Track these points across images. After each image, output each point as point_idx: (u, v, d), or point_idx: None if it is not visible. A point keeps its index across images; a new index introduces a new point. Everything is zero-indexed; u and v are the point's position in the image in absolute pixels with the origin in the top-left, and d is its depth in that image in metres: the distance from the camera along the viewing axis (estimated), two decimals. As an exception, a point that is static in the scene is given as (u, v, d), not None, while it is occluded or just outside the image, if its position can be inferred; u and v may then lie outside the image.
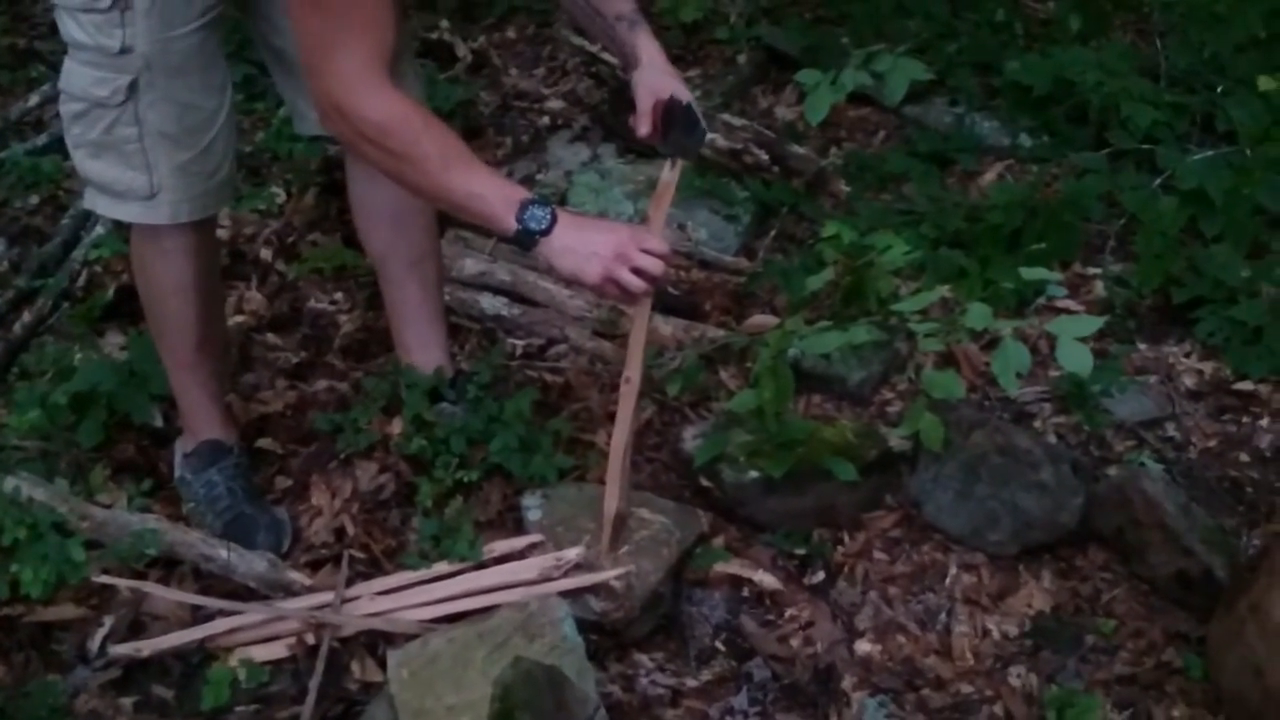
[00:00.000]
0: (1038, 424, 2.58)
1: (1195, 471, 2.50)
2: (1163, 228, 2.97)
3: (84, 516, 2.21)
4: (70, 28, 1.98)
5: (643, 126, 2.07)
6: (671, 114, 2.07)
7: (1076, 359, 2.05)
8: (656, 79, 2.08)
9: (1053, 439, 2.53)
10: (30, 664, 2.09)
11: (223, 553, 2.16)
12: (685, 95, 2.08)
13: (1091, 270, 3.02)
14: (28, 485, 2.24)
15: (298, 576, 2.15)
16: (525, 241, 1.81)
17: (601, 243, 1.83)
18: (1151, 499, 2.24)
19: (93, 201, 2.14)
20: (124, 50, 1.95)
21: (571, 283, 2.16)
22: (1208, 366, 2.76)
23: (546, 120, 3.66)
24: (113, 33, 1.94)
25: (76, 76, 2.00)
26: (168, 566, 2.22)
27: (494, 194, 1.80)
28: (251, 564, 2.16)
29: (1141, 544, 2.26)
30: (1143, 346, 2.82)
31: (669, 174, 2.07)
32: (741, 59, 3.91)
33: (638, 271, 1.84)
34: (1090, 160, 3.30)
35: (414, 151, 1.78)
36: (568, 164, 3.46)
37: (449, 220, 2.72)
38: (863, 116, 3.68)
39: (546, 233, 1.80)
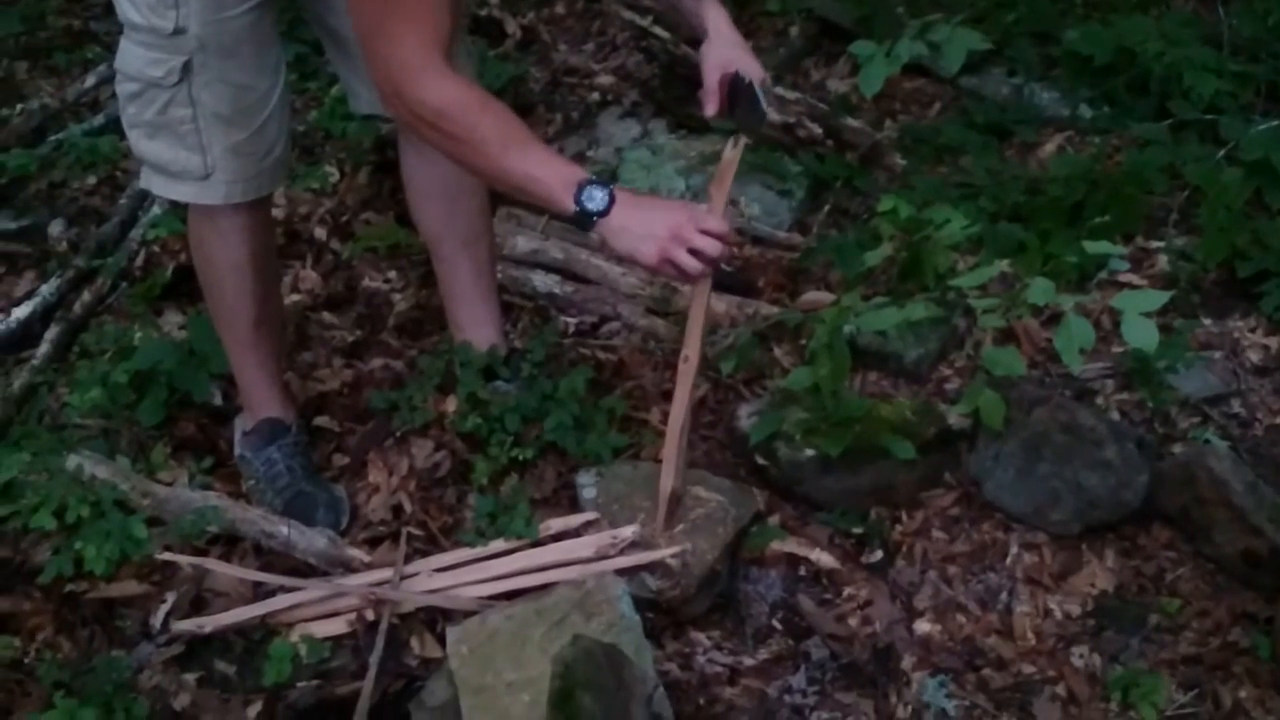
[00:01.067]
0: (1100, 401, 2.54)
1: (1261, 449, 2.45)
2: (1227, 200, 2.90)
3: (146, 494, 2.24)
4: (125, 8, 1.99)
5: (709, 105, 2.03)
6: (736, 90, 2.03)
7: (1142, 334, 2.02)
8: (724, 52, 2.04)
9: (1115, 416, 2.49)
10: (95, 639, 2.12)
11: (283, 529, 2.18)
12: (754, 70, 2.03)
13: (1154, 244, 2.96)
14: (90, 463, 2.26)
15: (357, 553, 2.17)
16: (583, 222, 1.80)
17: (659, 223, 1.81)
18: (1218, 477, 2.20)
19: (148, 181, 2.16)
20: (178, 31, 1.96)
21: (628, 262, 2.14)
22: (1274, 341, 2.70)
23: (597, 96, 3.64)
24: (166, 14, 1.95)
25: (131, 57, 2.01)
26: (229, 543, 2.24)
27: (551, 175, 1.79)
28: (312, 541, 2.17)
29: (1207, 522, 2.22)
30: (1207, 321, 2.76)
31: (730, 152, 2.04)
32: (793, 31, 3.87)
33: (694, 252, 1.82)
34: (1152, 131, 3.23)
35: (472, 136, 1.78)
36: (619, 140, 3.44)
37: (501, 198, 2.71)
38: (918, 88, 3.62)
39: (604, 213, 1.79)
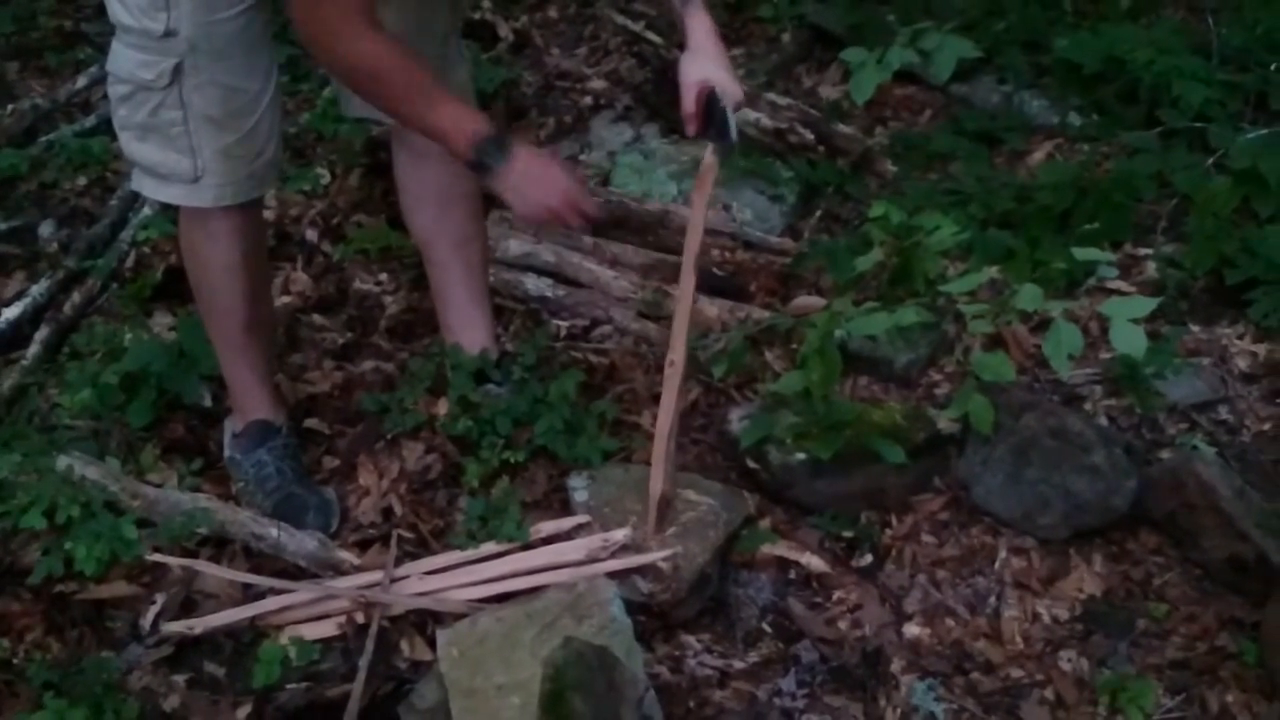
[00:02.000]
0: (1088, 406, 2.55)
1: (1249, 455, 2.47)
2: (1215, 208, 2.93)
3: (135, 495, 2.23)
4: (116, 10, 1.99)
5: (689, 127, 2.04)
6: (711, 108, 2.00)
7: (1130, 341, 2.03)
8: (699, 67, 2.02)
9: (1104, 422, 2.50)
10: (84, 640, 2.11)
11: (273, 531, 2.18)
12: (731, 89, 2.01)
13: (1143, 251, 2.98)
14: (80, 464, 2.26)
15: (347, 556, 2.17)
16: (480, 174, 1.93)
17: (550, 196, 1.94)
18: (1206, 483, 2.21)
19: (139, 183, 2.16)
20: (168, 34, 1.95)
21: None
22: (1261, 349, 2.71)
23: (589, 100, 3.65)
24: (157, 16, 1.95)
25: (123, 59, 2.01)
26: (218, 545, 2.24)
27: (453, 129, 1.88)
28: (301, 543, 2.17)
29: (1195, 528, 2.23)
30: (1195, 328, 2.78)
31: (710, 158, 2.04)
32: (785, 37, 3.89)
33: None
34: (1141, 139, 3.25)
35: (383, 90, 1.88)
36: (611, 144, 3.45)
37: (494, 201, 2.71)
38: (909, 95, 3.64)
39: (500, 170, 1.90)
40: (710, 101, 2.01)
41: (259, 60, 2.07)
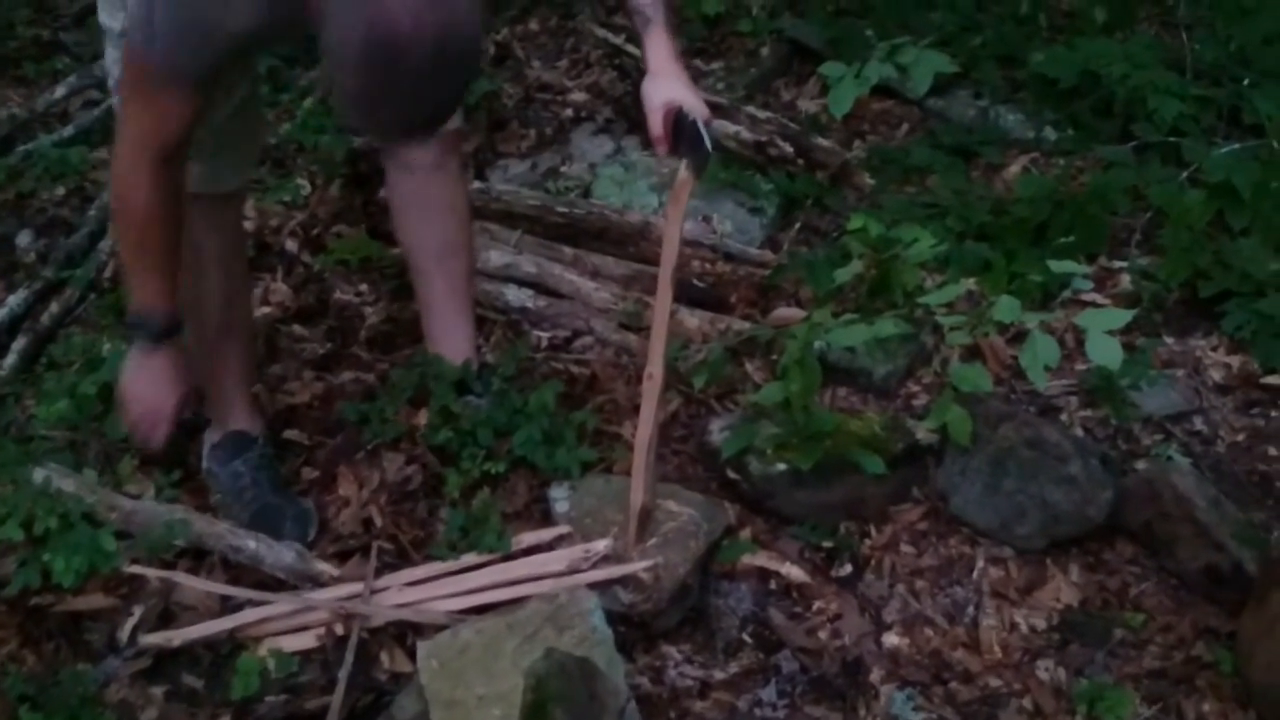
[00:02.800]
0: (1064, 418, 2.57)
1: (1223, 466, 2.49)
2: (1190, 221, 2.96)
3: (112, 507, 2.22)
4: (105, 18, 2.01)
5: (659, 148, 2.02)
6: (680, 126, 1.98)
7: (1106, 352, 2.06)
8: (662, 89, 1.99)
9: (1080, 432, 2.52)
10: (61, 653, 2.10)
11: (250, 543, 2.17)
12: (694, 105, 1.98)
13: (1118, 264, 3.00)
14: (57, 476, 2.25)
15: (325, 567, 2.16)
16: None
17: (160, 396, 2.02)
18: (1182, 493, 2.23)
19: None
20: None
21: None
22: (1235, 360, 2.74)
23: (570, 113, 3.66)
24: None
25: (112, 63, 2.02)
26: (197, 557, 2.22)
27: (140, 284, 1.95)
28: (280, 555, 2.16)
29: (1171, 538, 2.25)
30: (1170, 340, 2.80)
31: (684, 174, 2.02)
32: (764, 51, 3.91)
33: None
34: (1116, 153, 3.29)
35: (127, 232, 1.92)
36: (592, 156, 3.46)
37: (478, 213, 2.72)
38: (886, 109, 3.67)
39: (150, 342, 1.99)
40: (678, 119, 1.99)
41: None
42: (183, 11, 1.71)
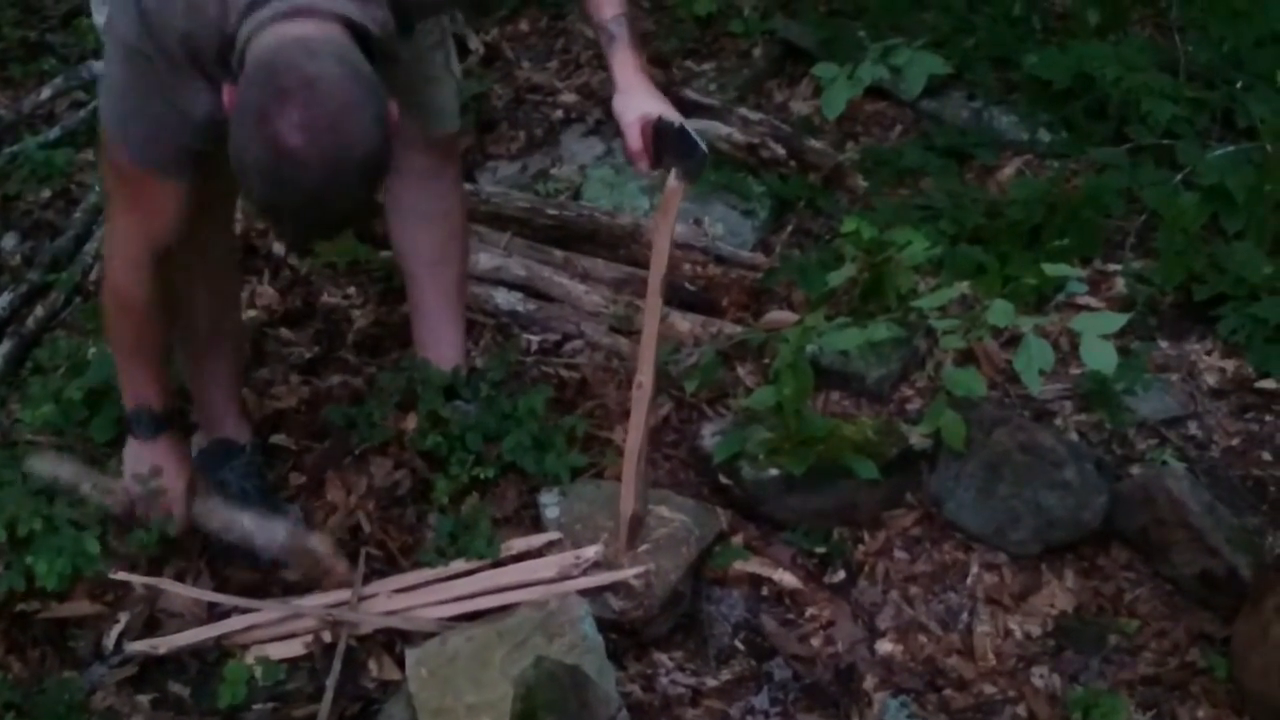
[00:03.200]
0: (1059, 422, 2.56)
1: (1218, 470, 2.48)
2: (1184, 224, 2.95)
3: (107, 490, 2.17)
4: (99, 17, 1.97)
5: (640, 163, 1.97)
6: (662, 138, 1.93)
7: (1101, 356, 2.04)
8: (634, 105, 1.94)
9: (1074, 437, 2.51)
10: (46, 661, 2.08)
11: (244, 522, 2.13)
12: (670, 115, 1.93)
13: (1112, 267, 2.99)
14: (50, 463, 2.20)
15: (320, 544, 2.12)
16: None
17: (171, 480, 2.09)
18: (1176, 498, 2.22)
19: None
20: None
21: None
22: (1230, 364, 2.73)
23: (560, 113, 3.64)
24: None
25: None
26: (183, 561, 2.20)
27: (134, 386, 2.03)
28: (272, 533, 2.11)
29: (1165, 543, 2.24)
30: (1164, 344, 2.79)
31: (673, 183, 1.98)
32: (756, 52, 3.89)
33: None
34: (1110, 155, 3.27)
35: (117, 327, 1.98)
36: (582, 158, 3.44)
37: (469, 216, 2.70)
38: (879, 110, 3.65)
39: (146, 439, 2.06)
40: (659, 130, 1.92)
41: None
42: (150, 106, 1.71)
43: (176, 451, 2.11)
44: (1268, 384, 2.67)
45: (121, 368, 2.03)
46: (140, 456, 2.08)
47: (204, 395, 2.32)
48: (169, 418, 2.07)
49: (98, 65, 3.33)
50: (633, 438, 2.10)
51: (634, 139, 1.94)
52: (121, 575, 2.12)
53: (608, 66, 1.99)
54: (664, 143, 1.93)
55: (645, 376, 2.06)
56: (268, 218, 1.64)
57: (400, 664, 2.00)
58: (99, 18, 1.97)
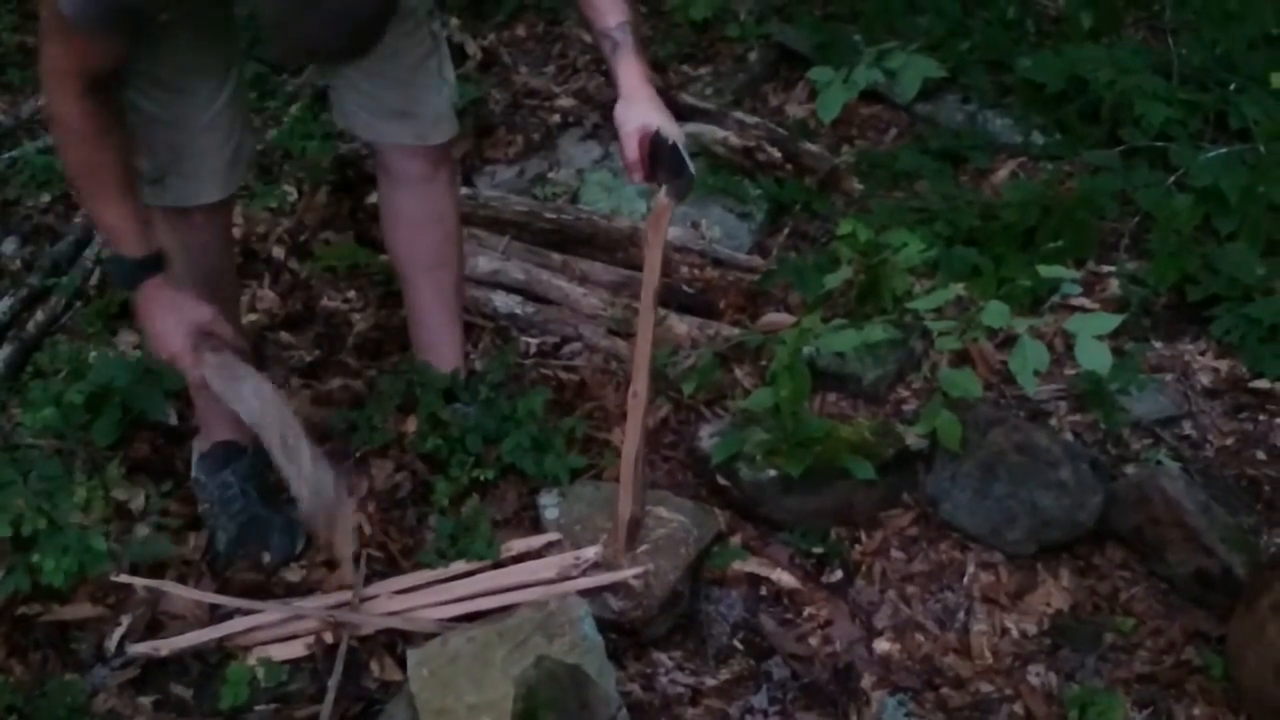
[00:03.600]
0: (1054, 422, 2.58)
1: (1212, 470, 2.50)
2: (1177, 225, 2.97)
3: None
4: None
5: (634, 175, 1.96)
6: (657, 152, 1.94)
7: (1096, 357, 2.06)
8: (639, 115, 1.94)
9: (1069, 437, 2.52)
10: (48, 663, 2.08)
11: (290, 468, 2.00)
12: (670, 130, 1.94)
13: (1106, 268, 3.01)
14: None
15: (348, 528, 2.04)
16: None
17: (166, 337, 1.95)
18: (1171, 498, 2.24)
19: None
20: None
21: None
22: (1224, 364, 2.75)
23: (557, 118, 3.65)
24: None
25: None
26: (184, 565, 2.21)
27: (110, 232, 1.92)
28: (322, 479, 1.97)
29: (1161, 542, 2.25)
30: (1158, 345, 2.81)
31: (664, 198, 1.98)
32: (752, 56, 3.91)
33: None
34: (1103, 158, 3.29)
35: (66, 156, 1.90)
36: (579, 162, 3.45)
37: (465, 219, 2.71)
38: (874, 114, 3.67)
39: (131, 289, 1.94)
40: (655, 144, 1.93)
41: (206, 66, 2.02)
42: None
43: (168, 301, 1.95)
44: (1261, 384, 2.69)
45: (93, 216, 1.95)
46: (143, 312, 1.95)
47: (205, 398, 2.32)
48: (148, 263, 1.92)
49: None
50: (629, 444, 2.12)
51: (631, 150, 1.94)
52: (124, 578, 2.13)
53: (611, 73, 1.99)
54: (658, 157, 1.94)
55: (640, 385, 2.08)
56: (280, 33, 1.61)
57: (402, 664, 2.01)
58: None
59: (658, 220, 2.02)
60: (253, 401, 1.97)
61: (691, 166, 1.94)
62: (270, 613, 2.09)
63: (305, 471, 1.95)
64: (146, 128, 2.01)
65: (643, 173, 1.96)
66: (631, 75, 1.96)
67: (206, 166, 2.10)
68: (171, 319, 1.95)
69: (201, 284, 2.17)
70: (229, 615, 2.11)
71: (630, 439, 2.11)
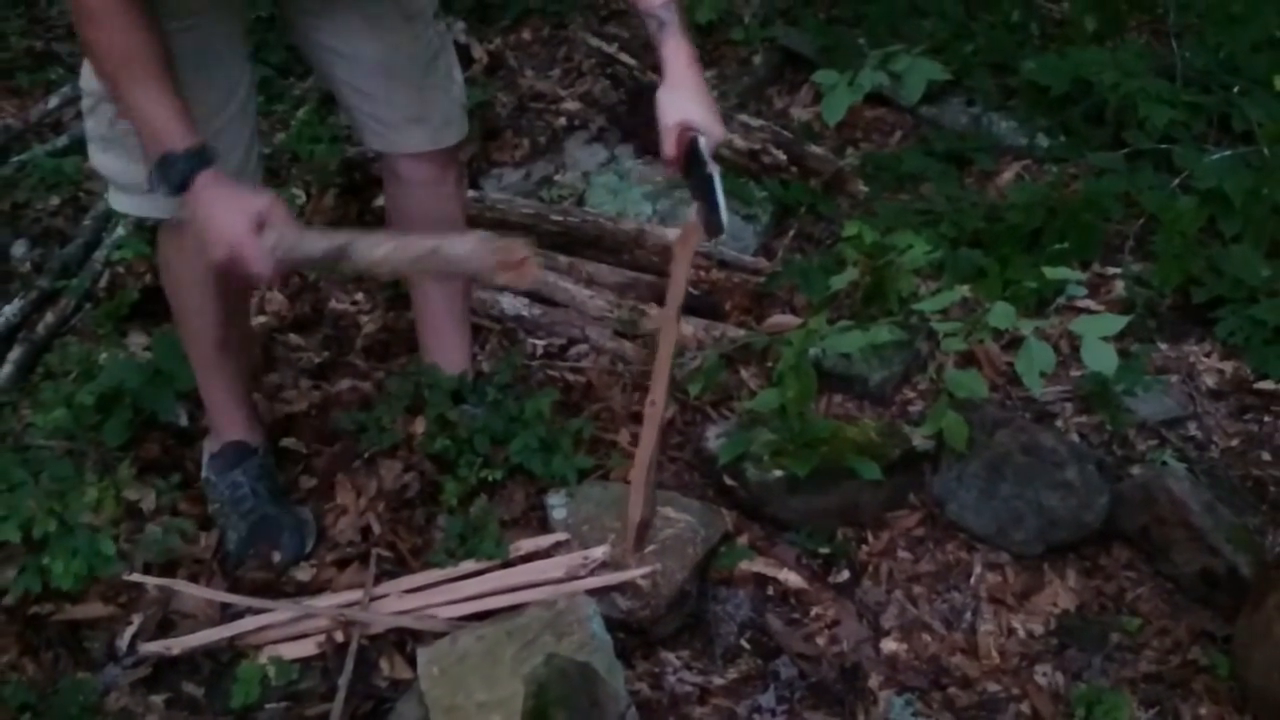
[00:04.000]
0: (1059, 424, 2.59)
1: (1217, 471, 2.50)
2: (1182, 227, 2.98)
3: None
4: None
5: (668, 168, 1.94)
6: (692, 153, 1.88)
7: (1102, 358, 2.06)
8: (678, 105, 1.88)
9: (1075, 438, 2.53)
10: (60, 662, 2.10)
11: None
12: (711, 128, 1.89)
13: (1111, 270, 3.02)
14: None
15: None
16: (157, 190, 1.78)
17: (222, 237, 1.76)
18: (1177, 498, 2.25)
19: (110, 198, 2.15)
20: None
21: None
22: (1228, 366, 2.76)
23: (563, 121, 3.67)
24: None
25: (87, 70, 2.00)
26: (195, 564, 2.23)
27: (151, 129, 1.75)
28: (460, 242, 1.83)
29: (1166, 543, 2.26)
30: (1163, 346, 2.82)
31: (695, 219, 1.93)
32: (757, 59, 3.92)
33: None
34: (1108, 160, 3.30)
35: (100, 41, 1.73)
36: (585, 165, 3.46)
37: (472, 221, 2.73)
38: (879, 117, 3.68)
39: (180, 192, 1.77)
40: (692, 156, 1.87)
41: (215, 74, 2.00)
42: None
43: (226, 192, 1.78)
44: (1266, 385, 2.70)
45: (134, 113, 1.76)
46: (196, 214, 1.77)
47: (216, 400, 2.34)
48: (200, 155, 1.76)
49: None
50: (643, 451, 2.13)
51: (669, 146, 1.89)
52: (135, 577, 2.14)
53: (657, 55, 1.93)
54: (692, 158, 1.89)
55: (658, 396, 2.09)
56: None
57: (412, 663, 2.02)
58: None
59: (687, 238, 2.02)
60: (368, 250, 1.80)
61: (724, 216, 1.88)
62: (280, 612, 2.10)
63: (467, 245, 1.84)
64: None
65: (678, 169, 1.92)
66: (679, 58, 1.91)
67: (229, 167, 2.09)
68: (234, 208, 1.77)
69: (212, 294, 2.18)
70: (240, 614, 2.12)
71: (644, 446, 2.12)
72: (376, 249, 1.79)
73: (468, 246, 1.82)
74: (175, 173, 1.75)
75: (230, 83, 2.05)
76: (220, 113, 2.05)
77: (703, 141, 1.88)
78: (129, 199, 2.09)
